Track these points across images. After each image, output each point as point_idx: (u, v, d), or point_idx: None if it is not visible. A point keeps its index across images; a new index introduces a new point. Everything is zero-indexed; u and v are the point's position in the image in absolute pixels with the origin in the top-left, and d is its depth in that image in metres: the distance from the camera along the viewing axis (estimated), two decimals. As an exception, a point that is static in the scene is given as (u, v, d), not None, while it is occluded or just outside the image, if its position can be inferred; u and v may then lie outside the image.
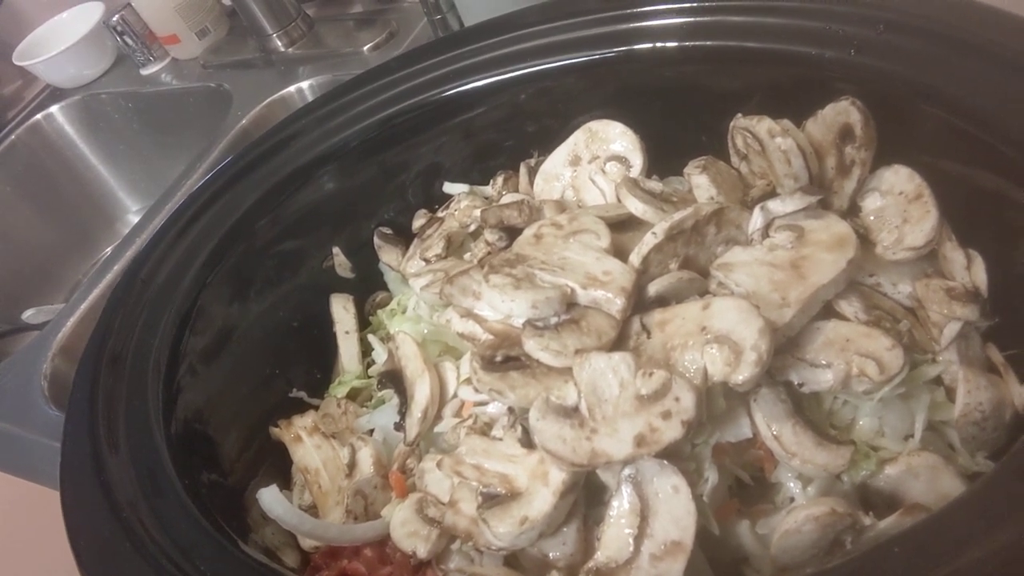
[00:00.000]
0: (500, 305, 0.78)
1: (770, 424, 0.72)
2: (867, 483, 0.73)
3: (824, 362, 0.73)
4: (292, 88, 1.82)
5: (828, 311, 0.77)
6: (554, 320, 0.77)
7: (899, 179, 0.81)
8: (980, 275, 0.77)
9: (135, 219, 2.17)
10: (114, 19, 2.05)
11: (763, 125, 0.84)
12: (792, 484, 0.74)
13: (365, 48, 1.80)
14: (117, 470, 0.77)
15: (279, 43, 1.93)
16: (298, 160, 1.06)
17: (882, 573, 0.52)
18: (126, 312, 0.92)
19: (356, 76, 1.12)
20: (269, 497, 0.80)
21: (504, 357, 0.78)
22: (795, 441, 0.71)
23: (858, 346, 0.73)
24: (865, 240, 0.80)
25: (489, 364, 0.77)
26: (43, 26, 2.25)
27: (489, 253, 0.95)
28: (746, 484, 0.76)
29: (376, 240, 1.12)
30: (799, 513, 0.68)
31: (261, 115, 1.80)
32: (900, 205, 0.81)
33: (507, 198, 1.01)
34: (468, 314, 0.82)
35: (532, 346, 0.75)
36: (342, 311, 1.08)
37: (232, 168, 1.06)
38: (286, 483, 0.96)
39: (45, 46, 2.18)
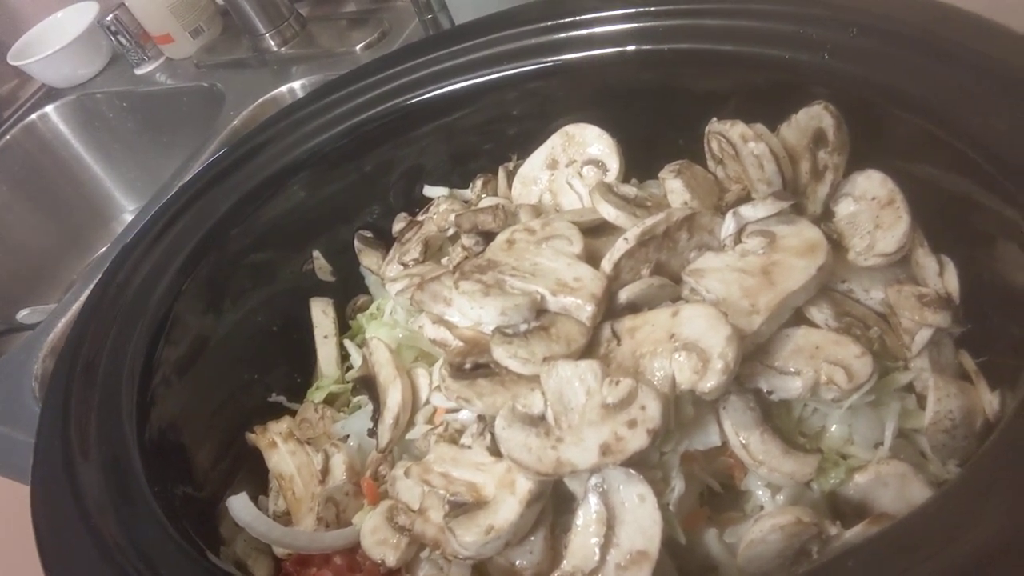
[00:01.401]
0: (470, 312, 0.78)
1: (738, 432, 0.72)
2: (837, 491, 0.72)
3: (793, 369, 0.73)
4: (284, 88, 1.83)
5: (799, 318, 0.76)
6: (523, 327, 0.77)
7: (872, 184, 0.81)
8: (952, 281, 0.77)
9: (130, 218, 2.18)
10: (108, 19, 2.06)
11: (736, 130, 0.84)
12: (761, 492, 0.74)
13: (358, 47, 1.80)
14: (87, 476, 0.77)
15: (272, 42, 1.93)
16: (277, 163, 1.06)
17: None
18: (100, 318, 0.92)
19: (336, 78, 1.11)
20: (238, 504, 0.80)
21: (473, 364, 0.78)
22: (763, 449, 0.71)
23: (827, 353, 0.72)
24: (837, 246, 0.80)
25: (458, 371, 0.77)
26: (38, 26, 2.26)
27: (466, 258, 0.94)
28: (716, 492, 0.76)
29: (356, 244, 1.11)
30: (764, 523, 0.68)
31: (254, 114, 1.81)
32: (872, 210, 0.80)
33: (485, 202, 1.00)
34: (439, 320, 0.82)
35: (500, 353, 0.75)
36: (321, 315, 1.08)
37: (211, 172, 1.06)
38: (264, 489, 0.96)
39: (40, 46, 2.18)
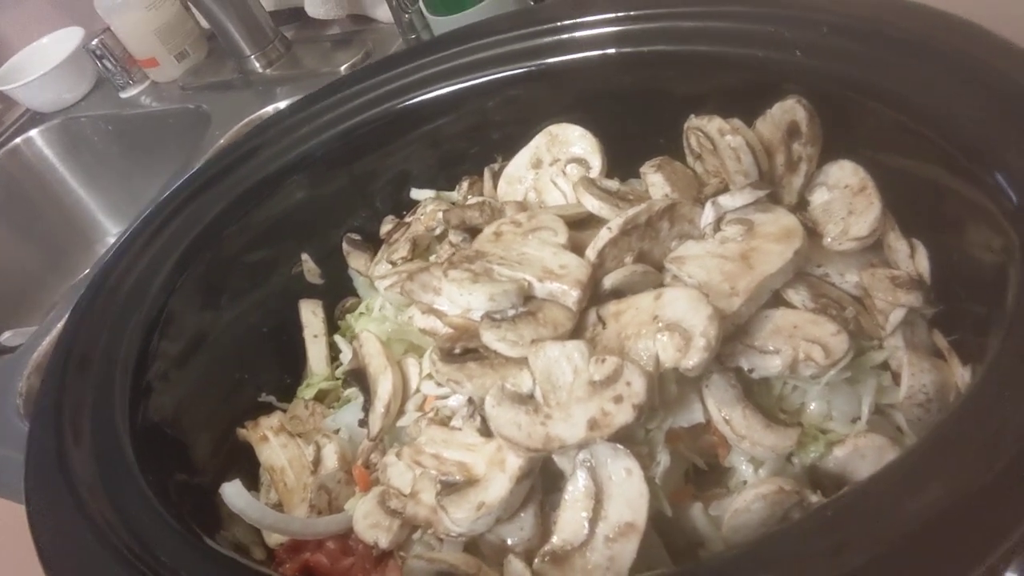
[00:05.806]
0: (459, 299, 0.80)
1: (721, 408, 0.74)
2: (817, 465, 0.74)
3: (772, 348, 0.75)
4: (270, 108, 1.85)
5: (777, 300, 0.79)
6: (511, 312, 0.79)
7: (844, 173, 0.84)
8: (923, 263, 0.80)
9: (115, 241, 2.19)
10: (93, 43, 2.08)
11: (714, 124, 0.87)
12: (745, 467, 0.76)
13: (342, 68, 1.82)
14: (80, 463, 0.78)
15: (257, 64, 1.95)
16: (266, 169, 1.08)
17: (817, 534, 0.54)
18: (93, 317, 0.93)
19: (323, 87, 1.14)
20: (231, 491, 0.81)
21: (463, 349, 0.80)
22: (745, 424, 0.73)
23: (805, 332, 0.75)
24: (813, 233, 0.83)
25: (448, 356, 0.79)
26: (22, 51, 2.28)
27: (453, 254, 0.96)
28: (701, 470, 0.78)
29: (345, 246, 1.13)
30: (748, 492, 0.70)
31: (239, 135, 1.83)
32: (845, 198, 0.83)
33: (472, 201, 1.03)
34: (429, 310, 0.84)
35: (489, 337, 0.77)
36: (311, 315, 1.09)
37: (200, 178, 1.08)
38: (255, 485, 0.97)
39: (24, 71, 2.20)
